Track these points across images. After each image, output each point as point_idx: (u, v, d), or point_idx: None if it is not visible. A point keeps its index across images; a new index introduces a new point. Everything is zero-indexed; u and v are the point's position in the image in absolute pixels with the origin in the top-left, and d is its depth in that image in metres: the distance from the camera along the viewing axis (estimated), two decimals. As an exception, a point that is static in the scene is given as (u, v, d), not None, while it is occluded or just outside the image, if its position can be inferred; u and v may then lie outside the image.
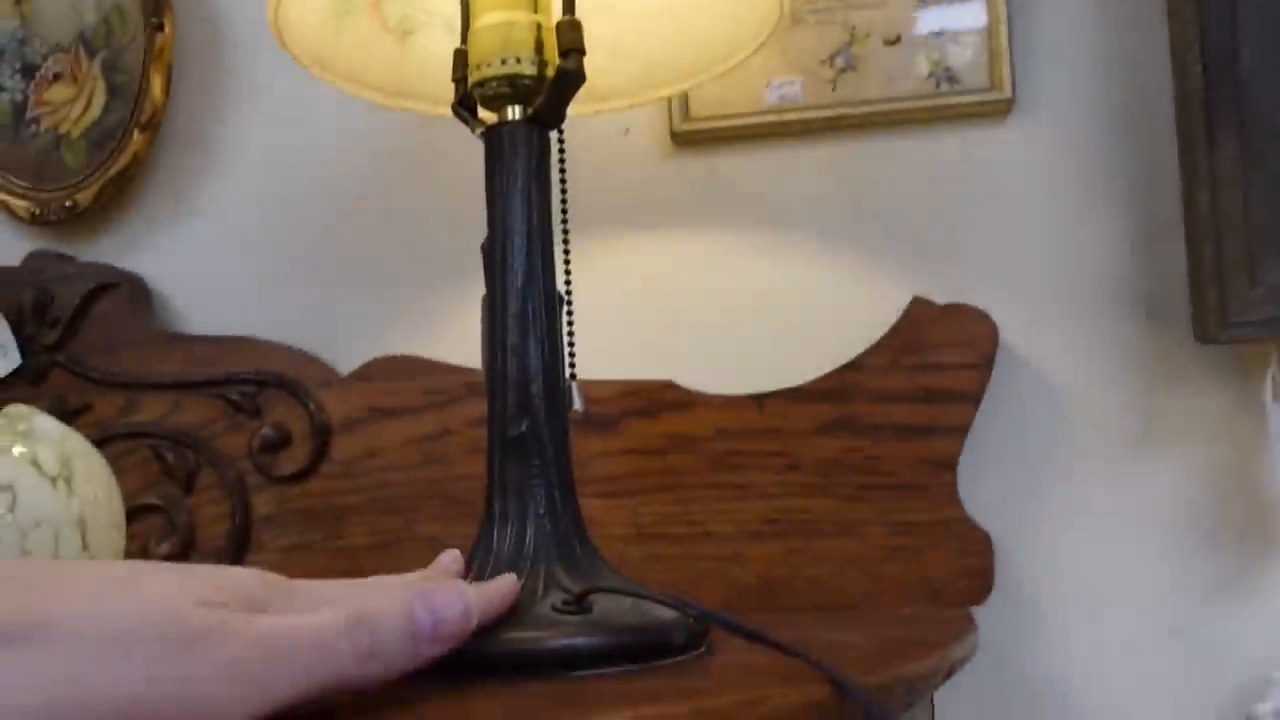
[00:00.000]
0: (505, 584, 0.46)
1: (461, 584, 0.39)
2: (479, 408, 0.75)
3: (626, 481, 0.74)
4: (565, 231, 0.58)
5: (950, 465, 0.69)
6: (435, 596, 0.37)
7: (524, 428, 0.51)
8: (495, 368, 0.53)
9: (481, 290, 0.54)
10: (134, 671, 0.28)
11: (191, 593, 0.31)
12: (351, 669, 0.34)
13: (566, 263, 0.58)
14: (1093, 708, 0.71)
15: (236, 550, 0.79)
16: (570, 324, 0.56)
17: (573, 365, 0.55)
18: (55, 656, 0.27)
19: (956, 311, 0.71)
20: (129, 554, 0.74)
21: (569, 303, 0.56)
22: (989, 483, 0.73)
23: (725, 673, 0.45)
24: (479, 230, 0.54)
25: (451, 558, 0.50)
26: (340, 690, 0.34)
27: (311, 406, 0.80)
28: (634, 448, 0.74)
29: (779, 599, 0.70)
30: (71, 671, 0.27)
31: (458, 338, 0.81)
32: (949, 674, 0.52)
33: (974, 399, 0.70)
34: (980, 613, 0.67)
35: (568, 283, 0.57)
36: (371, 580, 0.45)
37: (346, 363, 0.81)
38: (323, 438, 0.79)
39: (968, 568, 0.68)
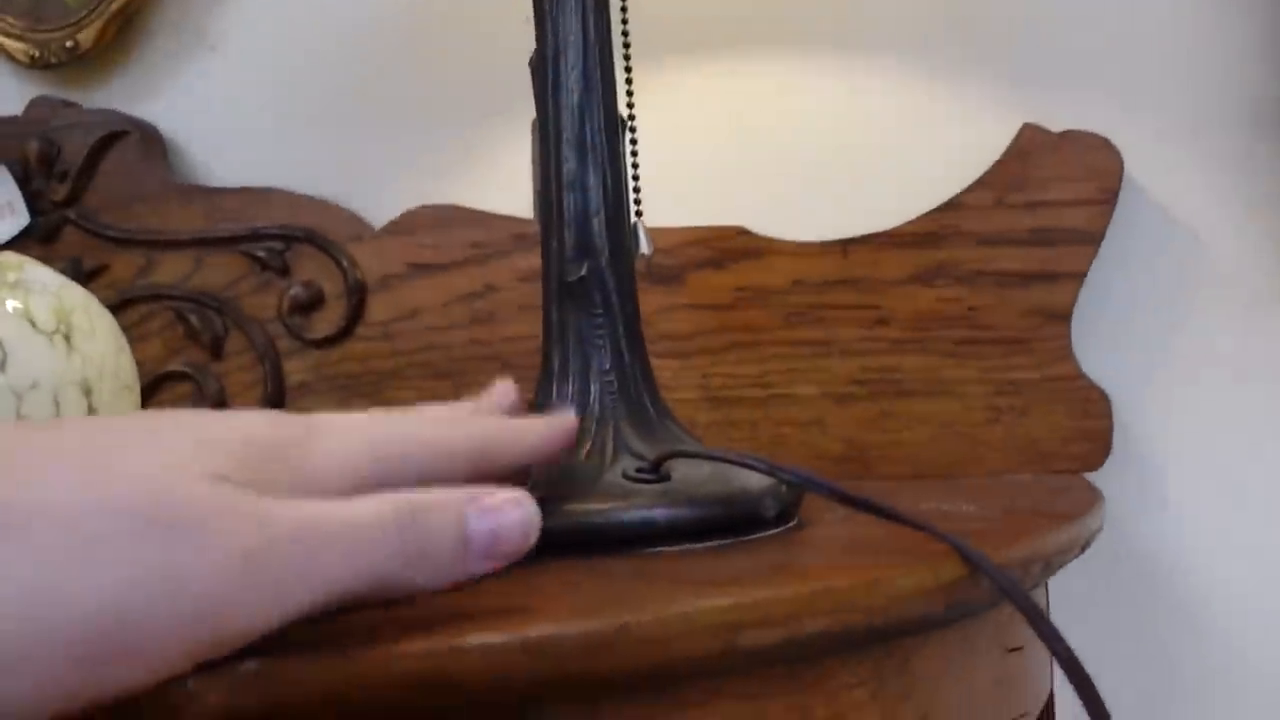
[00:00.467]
0: (562, 424, 0.38)
1: (524, 495, 0.31)
2: (529, 261, 0.69)
3: (694, 340, 0.67)
4: (626, 45, 0.50)
5: (1064, 316, 0.62)
6: (496, 506, 0.29)
7: (584, 271, 0.45)
8: (549, 203, 0.46)
9: (532, 118, 0.46)
10: (116, 570, 0.22)
11: (195, 462, 0.25)
12: (395, 574, 0.27)
13: (628, 80, 0.50)
14: (1217, 582, 0.65)
15: (272, 420, 0.74)
16: (634, 153, 0.48)
17: (638, 200, 0.48)
18: (21, 559, 0.22)
19: (1074, 139, 0.62)
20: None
21: (633, 128, 0.48)
22: (1107, 336, 0.65)
23: (830, 549, 0.40)
24: (528, 56, 0.46)
25: (505, 389, 0.41)
26: (374, 597, 0.27)
27: (344, 263, 0.73)
28: (702, 302, 0.67)
29: (868, 466, 0.64)
30: (41, 576, 0.22)
31: (504, 183, 0.73)
32: (1084, 548, 0.46)
33: (1093, 240, 0.61)
34: (1094, 479, 0.61)
35: (629, 105, 0.49)
36: (409, 412, 0.38)
37: (381, 214, 0.74)
38: (358, 297, 0.73)
39: (1083, 430, 0.61)
